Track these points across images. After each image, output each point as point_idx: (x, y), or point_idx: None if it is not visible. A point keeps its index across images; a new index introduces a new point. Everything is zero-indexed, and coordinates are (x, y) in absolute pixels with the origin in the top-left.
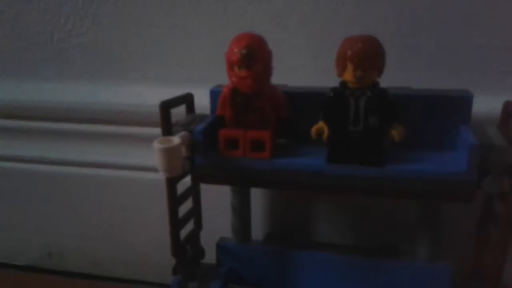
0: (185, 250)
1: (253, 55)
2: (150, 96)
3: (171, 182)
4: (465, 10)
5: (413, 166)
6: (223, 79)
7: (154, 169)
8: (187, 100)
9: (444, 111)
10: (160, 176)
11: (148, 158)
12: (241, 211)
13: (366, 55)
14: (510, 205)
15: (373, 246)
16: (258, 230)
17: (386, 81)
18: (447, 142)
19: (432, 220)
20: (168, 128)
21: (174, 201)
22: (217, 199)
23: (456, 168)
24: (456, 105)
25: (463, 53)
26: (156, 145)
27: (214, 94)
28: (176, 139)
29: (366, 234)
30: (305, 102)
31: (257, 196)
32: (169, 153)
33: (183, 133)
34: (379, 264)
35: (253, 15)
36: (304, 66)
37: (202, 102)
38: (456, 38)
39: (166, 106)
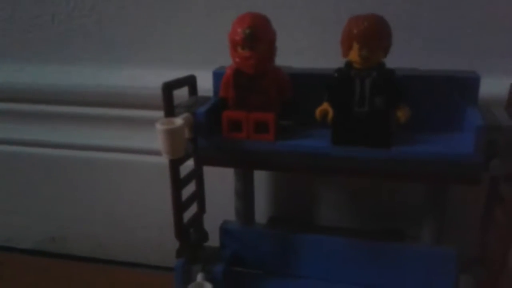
0: (189, 233)
1: (257, 35)
2: (153, 78)
3: (174, 164)
4: None
5: (419, 148)
6: (227, 60)
7: (157, 152)
8: (190, 82)
9: (450, 93)
10: (163, 159)
11: (151, 141)
12: (245, 194)
13: (372, 34)
14: None
15: (378, 229)
16: (261, 213)
17: (391, 62)
18: (453, 123)
19: (437, 204)
20: (170, 110)
21: (177, 183)
22: (220, 182)
23: (463, 150)
24: (463, 86)
25: (471, 35)
26: (159, 126)
27: (217, 76)
28: (178, 121)
29: (371, 217)
30: (309, 83)
31: (261, 179)
32: (171, 134)
33: (185, 114)
34: (384, 247)
35: None
36: (310, 47)
37: (206, 85)
38: (462, 19)
39: (168, 88)
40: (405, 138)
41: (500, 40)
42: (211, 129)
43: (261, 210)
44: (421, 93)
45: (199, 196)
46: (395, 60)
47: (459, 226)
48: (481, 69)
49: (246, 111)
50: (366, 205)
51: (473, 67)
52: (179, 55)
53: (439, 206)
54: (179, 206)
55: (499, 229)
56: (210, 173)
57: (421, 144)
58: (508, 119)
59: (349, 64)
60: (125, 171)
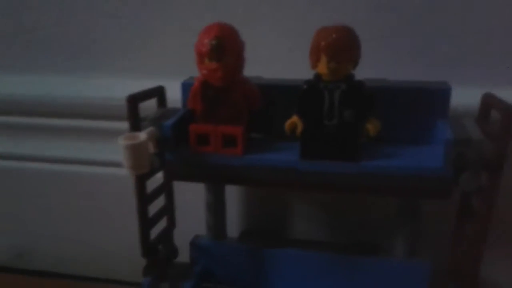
0: (157, 249)
1: (224, 46)
2: (121, 89)
3: (139, 180)
4: (443, 1)
5: (388, 162)
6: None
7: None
8: (158, 93)
9: (421, 104)
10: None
11: (119, 154)
12: (216, 208)
13: (341, 46)
14: (487, 201)
15: (351, 242)
16: (233, 227)
17: (360, 73)
18: (424, 136)
19: (410, 217)
20: (135, 123)
21: (143, 199)
22: (191, 196)
23: (432, 164)
24: (433, 97)
25: (442, 44)
26: (121, 141)
27: (186, 87)
28: (142, 135)
29: (344, 231)
30: (279, 95)
31: (232, 192)
32: (134, 149)
33: (150, 128)
34: (357, 261)
35: (227, 5)
36: (280, 57)
37: (177, 95)
38: (433, 29)
39: (134, 100)
40: (374, 151)
41: (471, 51)
42: (178, 143)
43: (233, 224)
44: (391, 105)
45: (168, 210)
46: (364, 71)
47: (432, 239)
48: (452, 79)
49: (214, 124)
50: (340, 218)
51: (444, 77)
52: (148, 65)
53: (412, 219)
54: (145, 223)
55: (470, 243)
56: (181, 186)
57: (390, 157)
58: (478, 132)
59: (318, 76)
60: (93, 184)
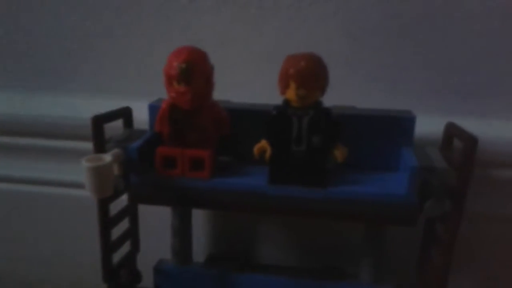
0: (119, 274)
1: (193, 70)
2: (87, 108)
3: (102, 203)
4: (407, 29)
5: (355, 188)
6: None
7: None
8: (125, 114)
9: (387, 132)
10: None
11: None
12: (182, 231)
13: (309, 73)
14: (451, 228)
15: (318, 267)
16: (199, 251)
17: (328, 100)
18: (390, 163)
19: (376, 243)
20: (100, 145)
21: (105, 222)
22: (156, 219)
23: (398, 191)
24: (398, 126)
25: (407, 74)
26: (84, 163)
27: (153, 109)
28: (107, 157)
29: (311, 255)
30: (248, 119)
31: (199, 215)
32: (98, 172)
33: (115, 150)
34: (323, 286)
35: (197, 28)
36: (249, 82)
37: (144, 117)
38: (399, 58)
39: (99, 121)
40: (341, 178)
41: (436, 80)
42: (144, 166)
43: (199, 248)
44: (358, 132)
45: (132, 234)
46: (331, 98)
47: (398, 265)
48: (417, 108)
49: (182, 147)
50: (307, 243)
51: (409, 106)
52: (116, 84)
53: (377, 245)
54: (107, 248)
55: (435, 268)
56: (146, 209)
57: (356, 184)
58: (442, 160)
59: (287, 102)
60: (56, 206)
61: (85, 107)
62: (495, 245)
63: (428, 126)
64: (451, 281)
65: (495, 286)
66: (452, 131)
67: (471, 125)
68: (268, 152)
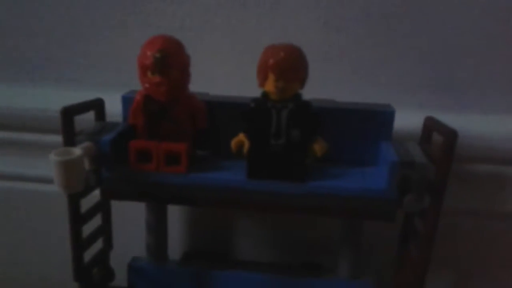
0: (91, 272)
1: (168, 60)
2: (57, 100)
3: (73, 199)
4: (387, 24)
5: (334, 183)
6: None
7: None
8: (97, 106)
9: (366, 126)
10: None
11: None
12: (157, 228)
13: (288, 65)
14: (429, 222)
15: (296, 263)
16: (175, 248)
17: (308, 92)
18: (370, 157)
19: (354, 237)
20: (70, 137)
21: (76, 219)
22: (129, 215)
23: (377, 186)
24: (378, 119)
25: (386, 67)
26: (53, 157)
27: (127, 100)
28: (77, 151)
29: (289, 251)
30: (226, 112)
31: (174, 212)
32: (67, 166)
33: (86, 143)
34: (302, 282)
35: (173, 16)
36: (228, 74)
37: (117, 109)
38: (380, 52)
39: (68, 113)
40: (321, 172)
41: (415, 74)
42: (117, 160)
43: (175, 245)
44: (337, 125)
45: (105, 231)
46: (311, 91)
47: (376, 260)
48: (396, 102)
49: (157, 141)
50: (285, 238)
51: (389, 100)
52: (87, 75)
53: (355, 239)
54: (78, 246)
55: (414, 263)
56: (119, 204)
57: (336, 178)
58: (421, 154)
59: (265, 95)
60: (23, 201)
61: (54, 98)
62: (474, 240)
63: (407, 120)
64: (430, 276)
65: (472, 281)
66: (431, 125)
67: (449, 119)
68: (246, 146)
